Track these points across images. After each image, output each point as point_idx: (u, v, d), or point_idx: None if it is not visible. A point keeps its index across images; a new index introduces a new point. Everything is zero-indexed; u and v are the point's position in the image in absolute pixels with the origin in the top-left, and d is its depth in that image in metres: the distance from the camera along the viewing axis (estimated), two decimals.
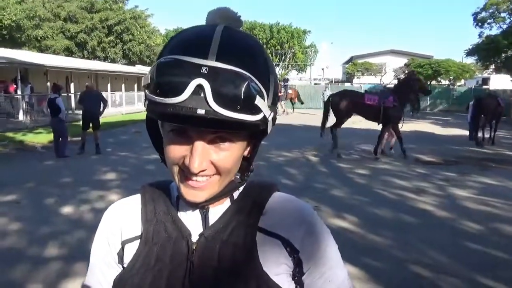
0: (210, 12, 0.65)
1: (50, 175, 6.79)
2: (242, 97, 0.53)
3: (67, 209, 4.94)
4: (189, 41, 0.58)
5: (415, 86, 8.87)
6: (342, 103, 8.92)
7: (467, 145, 11.13)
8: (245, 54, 0.58)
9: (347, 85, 36.76)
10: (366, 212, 4.95)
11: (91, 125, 8.89)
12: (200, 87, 0.52)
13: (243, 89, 0.53)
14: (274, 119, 0.62)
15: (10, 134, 11.86)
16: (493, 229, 4.39)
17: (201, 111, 0.52)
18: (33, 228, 4.28)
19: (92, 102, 8.82)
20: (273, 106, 0.61)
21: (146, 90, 0.57)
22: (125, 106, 21.80)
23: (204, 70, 0.53)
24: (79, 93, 19.66)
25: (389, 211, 4.98)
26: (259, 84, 0.56)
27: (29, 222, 4.45)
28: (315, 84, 41.44)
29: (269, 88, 0.60)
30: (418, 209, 5.11)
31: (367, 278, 3.20)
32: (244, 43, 0.60)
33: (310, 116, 21.50)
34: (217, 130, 0.57)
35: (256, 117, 0.56)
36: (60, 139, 8.59)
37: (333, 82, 46.73)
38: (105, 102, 9.16)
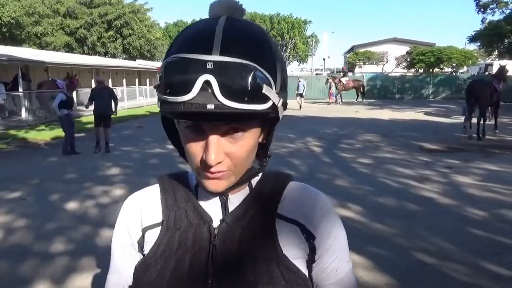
0: (212, 4, 0.65)
1: (55, 172, 6.82)
2: (249, 88, 0.54)
3: (72, 205, 4.97)
4: (193, 38, 0.59)
5: (505, 75, 10.71)
6: (488, 91, 9.84)
7: (470, 132, 11.05)
8: (249, 44, 0.58)
9: (349, 75, 36.64)
10: (370, 201, 4.95)
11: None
12: (207, 83, 0.53)
13: (249, 80, 0.54)
14: (284, 104, 0.63)
15: (13, 132, 11.91)
16: (497, 215, 4.39)
17: (210, 106, 0.53)
18: (39, 224, 4.31)
19: (103, 100, 8.51)
20: (282, 92, 0.61)
21: (157, 91, 0.58)
22: (126, 101, 21.80)
23: (209, 65, 0.53)
24: (78, 89, 19.80)
25: (393, 200, 4.99)
26: (265, 73, 0.56)
27: (35, 218, 4.48)
28: (317, 74, 41.27)
29: (276, 74, 0.60)
30: (422, 197, 5.11)
31: (371, 266, 3.21)
32: (248, 32, 0.60)
33: (311, 107, 21.46)
34: (229, 122, 0.59)
35: (265, 106, 0.57)
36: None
37: (335, 72, 46.53)
38: (116, 99, 8.88)
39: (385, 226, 4.11)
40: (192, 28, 0.62)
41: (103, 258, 3.42)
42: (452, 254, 3.44)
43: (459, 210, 4.58)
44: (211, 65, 0.53)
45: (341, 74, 26.55)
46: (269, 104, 0.57)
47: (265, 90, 0.56)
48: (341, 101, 23.96)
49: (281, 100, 0.61)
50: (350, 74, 27.61)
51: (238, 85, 0.54)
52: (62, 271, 3.25)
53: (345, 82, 23.35)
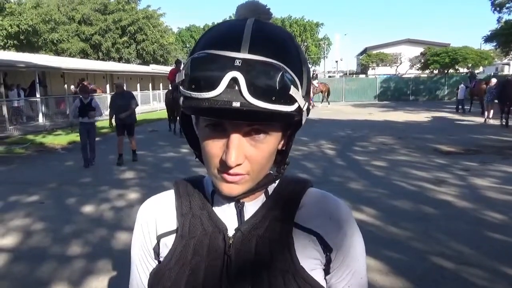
0: (239, 6, 0.64)
1: (71, 176, 6.94)
2: (277, 87, 0.53)
3: (88, 208, 5.05)
4: (221, 36, 0.58)
5: None
6: None
7: (487, 133, 10.89)
8: (278, 45, 0.57)
9: (362, 77, 36.39)
10: (385, 204, 4.90)
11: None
12: (234, 80, 0.52)
13: (277, 79, 0.53)
14: (308, 109, 0.62)
15: (31, 137, 12.16)
16: None
17: (236, 104, 0.52)
18: (57, 227, 4.39)
19: (124, 105, 7.78)
20: (306, 97, 0.60)
21: (181, 87, 0.57)
22: (140, 105, 22.02)
23: (237, 62, 0.53)
24: (96, 94, 20.15)
25: (409, 203, 4.92)
26: (293, 74, 0.56)
27: (52, 222, 4.56)
28: (329, 77, 41.11)
29: (302, 78, 0.59)
30: (438, 200, 5.04)
31: (387, 270, 3.18)
32: (276, 34, 0.59)
33: (325, 110, 21.39)
34: (252, 122, 0.57)
35: (291, 108, 0.56)
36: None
37: (348, 74, 46.24)
38: (136, 105, 8.10)
39: (400, 229, 4.06)
40: (220, 27, 0.61)
41: (119, 260, 3.46)
42: (470, 258, 3.38)
43: (477, 213, 4.49)
44: (240, 62, 0.52)
45: (313, 77, 26.64)
46: (295, 106, 0.56)
47: (292, 91, 0.55)
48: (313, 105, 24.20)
49: (306, 104, 0.60)
50: (353, 76, 27.68)
51: (266, 84, 0.53)
52: (79, 273, 3.30)
53: (317, 85, 23.64)
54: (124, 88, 8.41)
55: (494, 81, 14.41)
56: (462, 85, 18.81)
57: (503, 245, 3.64)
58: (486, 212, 4.49)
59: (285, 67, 0.54)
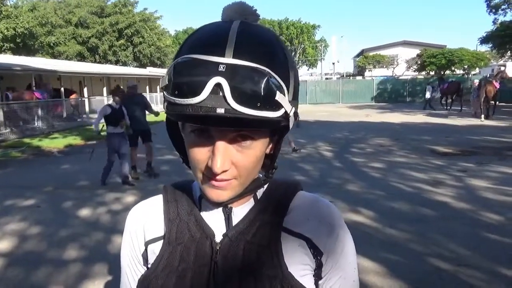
0: (225, 7, 0.62)
1: (68, 179, 6.90)
2: (262, 93, 0.52)
3: (85, 212, 5.02)
4: (205, 39, 0.57)
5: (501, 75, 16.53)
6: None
7: (484, 134, 10.93)
8: (263, 49, 0.56)
9: (358, 78, 36.48)
10: (382, 206, 4.90)
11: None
12: (218, 86, 0.51)
13: (262, 85, 0.52)
14: (296, 114, 0.60)
15: (27, 140, 12.10)
16: None
17: (220, 110, 0.51)
18: (53, 231, 4.36)
19: (138, 111, 6.85)
20: (294, 101, 0.59)
21: (164, 92, 0.56)
22: None
23: (221, 68, 0.51)
24: (91, 97, 20.09)
25: (406, 204, 4.92)
26: (279, 79, 0.54)
27: (49, 225, 4.53)
28: (327, 79, 41.21)
29: (289, 82, 0.57)
30: (435, 201, 5.04)
31: (385, 272, 3.17)
32: (262, 37, 0.58)
33: (322, 112, 21.42)
34: (238, 129, 0.56)
35: (277, 113, 0.54)
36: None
37: (345, 76, 46.37)
38: (150, 108, 7.24)
39: (398, 231, 4.06)
40: (205, 30, 0.60)
41: (115, 264, 3.43)
42: (468, 259, 3.37)
43: (474, 215, 4.49)
44: (224, 67, 0.51)
45: None
46: (281, 112, 0.55)
47: (278, 97, 0.53)
48: None
49: (293, 109, 0.58)
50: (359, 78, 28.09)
51: (251, 90, 0.51)
52: (76, 278, 3.27)
53: None
54: (137, 90, 7.26)
55: (476, 81, 16.92)
56: (429, 86, 21.47)
57: (500, 246, 3.63)
58: (483, 213, 4.50)
59: (270, 72, 0.53)
